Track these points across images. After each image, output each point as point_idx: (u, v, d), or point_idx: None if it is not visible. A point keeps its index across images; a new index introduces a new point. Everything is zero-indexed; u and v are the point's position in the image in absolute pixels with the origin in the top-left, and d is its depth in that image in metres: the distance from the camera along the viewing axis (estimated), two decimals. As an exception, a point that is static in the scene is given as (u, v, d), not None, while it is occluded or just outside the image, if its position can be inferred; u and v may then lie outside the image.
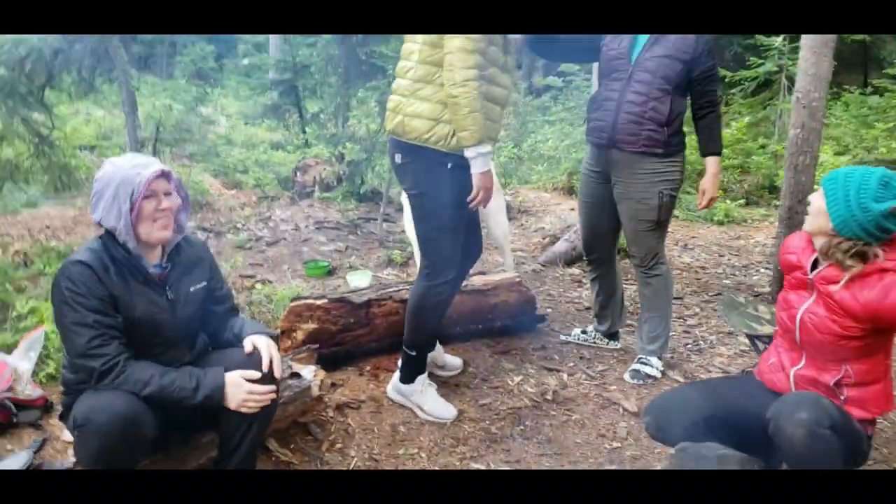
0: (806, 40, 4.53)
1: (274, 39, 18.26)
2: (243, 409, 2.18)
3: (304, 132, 11.07)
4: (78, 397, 2.15)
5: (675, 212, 6.73)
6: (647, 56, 3.24)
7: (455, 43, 2.60)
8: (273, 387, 2.25)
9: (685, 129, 3.37)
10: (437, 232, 2.91)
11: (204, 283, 2.40)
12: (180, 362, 2.26)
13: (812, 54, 4.46)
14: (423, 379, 3.09)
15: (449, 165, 2.76)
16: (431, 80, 2.73)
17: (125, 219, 2.11)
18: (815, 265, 2.25)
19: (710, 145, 3.37)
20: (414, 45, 2.79)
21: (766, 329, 3.77)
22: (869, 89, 11.20)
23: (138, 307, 2.17)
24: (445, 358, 3.47)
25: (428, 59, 2.73)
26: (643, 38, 3.28)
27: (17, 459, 2.63)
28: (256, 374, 2.21)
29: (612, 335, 3.86)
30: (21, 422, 2.87)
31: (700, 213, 6.99)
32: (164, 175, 2.22)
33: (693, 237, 6.26)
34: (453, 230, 2.90)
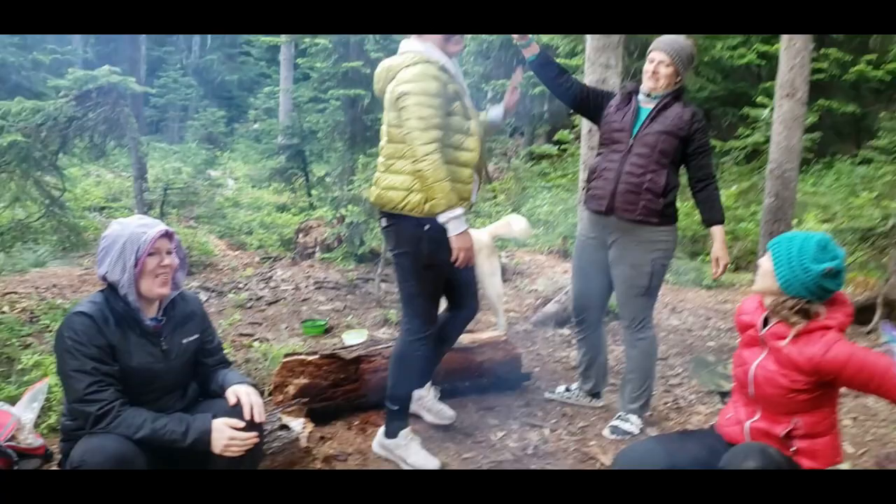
0: (778, 114, 4.79)
1: (284, 106, 18.83)
2: (227, 454, 2.33)
3: (310, 195, 11.37)
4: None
5: (666, 276, 6.93)
6: (646, 131, 3.45)
7: (411, 123, 2.86)
8: (255, 433, 2.41)
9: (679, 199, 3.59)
10: (416, 291, 3.12)
11: (196, 336, 2.58)
12: (172, 409, 2.43)
13: (784, 128, 4.73)
14: (406, 433, 3.23)
15: (426, 228, 2.98)
16: (401, 155, 2.97)
17: (129, 273, 2.31)
18: (766, 323, 2.42)
19: (713, 215, 3.53)
20: (384, 126, 3.06)
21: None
22: (858, 159, 11.53)
23: (135, 357, 2.35)
24: (438, 404, 3.62)
25: (395, 138, 3.00)
26: (644, 113, 3.49)
27: (16, 504, 2.77)
28: (240, 423, 2.38)
29: (595, 394, 3.99)
30: (22, 469, 3.00)
31: (689, 277, 7.16)
32: (167, 235, 2.44)
33: (681, 300, 6.42)
34: (432, 290, 3.12)
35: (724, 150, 10.20)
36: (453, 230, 2.94)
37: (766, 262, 2.38)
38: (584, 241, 3.77)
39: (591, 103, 3.73)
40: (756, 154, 9.90)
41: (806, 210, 8.65)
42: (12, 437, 3.01)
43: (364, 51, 12.36)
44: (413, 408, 3.48)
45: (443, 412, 3.64)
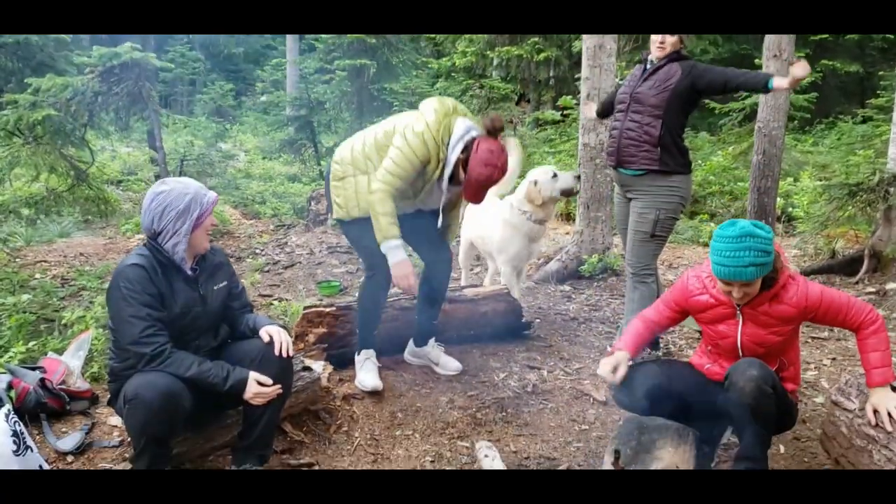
0: (766, 75, 5.02)
1: (291, 78, 19.02)
2: (254, 402, 2.71)
3: (319, 165, 11.64)
4: (124, 383, 2.61)
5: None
6: (639, 89, 3.80)
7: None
8: (278, 386, 2.76)
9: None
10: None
11: (225, 283, 2.92)
12: (207, 347, 2.81)
13: (771, 88, 4.95)
14: (365, 353, 3.73)
15: None
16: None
17: (188, 226, 2.64)
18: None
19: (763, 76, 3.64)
20: None
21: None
22: (859, 118, 11.68)
23: (179, 301, 2.68)
24: (442, 357, 3.93)
25: None
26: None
27: (71, 439, 3.11)
28: (269, 381, 2.73)
29: (653, 343, 4.19)
30: (73, 410, 3.35)
31: (686, 235, 7.41)
32: None
33: (678, 257, 6.69)
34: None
35: (724, 111, 10.40)
36: (390, 258, 3.41)
37: (740, 288, 2.53)
38: (617, 198, 4.16)
39: None
40: (755, 115, 10.12)
41: (802, 168, 8.88)
42: (63, 382, 3.36)
43: (369, 21, 12.59)
44: (422, 362, 3.96)
45: (449, 364, 3.94)
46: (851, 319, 2.60)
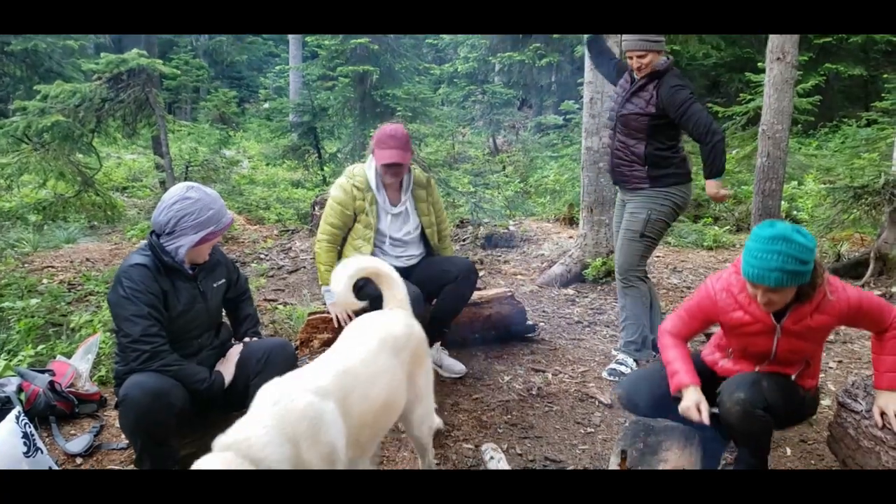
0: (769, 77, 5.04)
1: (294, 84, 19.10)
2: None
3: (322, 170, 11.67)
4: (127, 385, 2.64)
5: (668, 238, 7.19)
6: (623, 111, 3.89)
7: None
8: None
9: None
10: None
11: (224, 281, 2.99)
12: (211, 345, 2.89)
13: (775, 91, 4.98)
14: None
15: None
16: None
17: (195, 238, 2.67)
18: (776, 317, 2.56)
19: (706, 171, 3.78)
20: None
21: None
22: (863, 121, 11.69)
23: (181, 299, 2.72)
24: (445, 360, 3.94)
25: None
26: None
27: (80, 441, 3.13)
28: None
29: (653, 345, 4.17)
30: (81, 412, 3.37)
31: (690, 239, 7.43)
32: None
33: (683, 261, 6.70)
34: None
35: (727, 115, 10.41)
36: (325, 300, 3.84)
37: (775, 294, 2.41)
38: (618, 202, 4.23)
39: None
40: (758, 118, 10.13)
41: (806, 172, 8.89)
42: (72, 384, 3.38)
43: (372, 27, 12.61)
44: None
45: (453, 366, 3.96)
46: (884, 321, 2.56)
